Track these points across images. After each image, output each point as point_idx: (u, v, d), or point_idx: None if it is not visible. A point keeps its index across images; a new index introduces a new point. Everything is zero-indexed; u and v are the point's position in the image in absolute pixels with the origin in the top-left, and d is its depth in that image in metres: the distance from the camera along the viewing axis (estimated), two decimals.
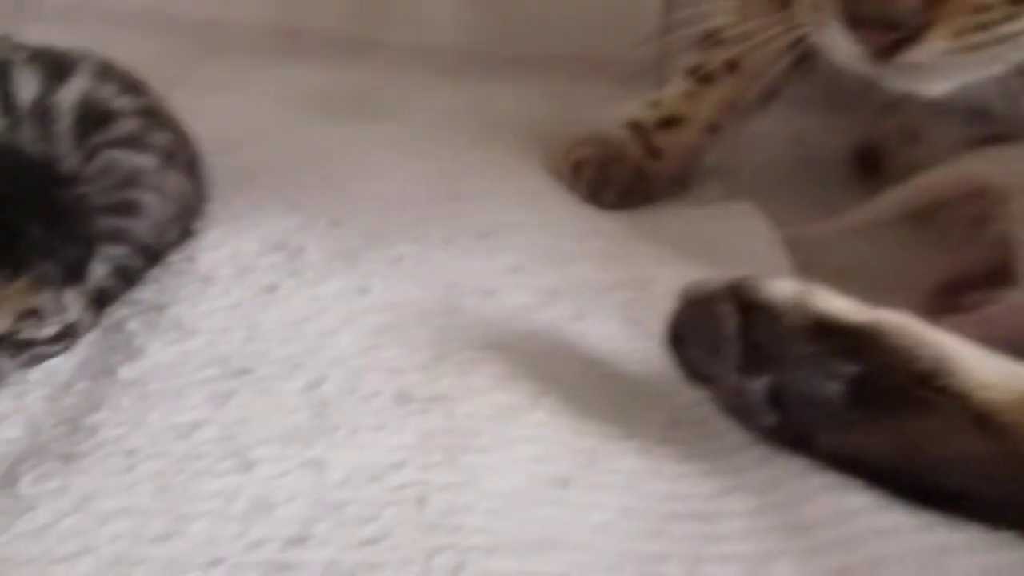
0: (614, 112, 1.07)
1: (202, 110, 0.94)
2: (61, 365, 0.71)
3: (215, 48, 1.34)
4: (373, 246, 0.86)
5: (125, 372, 0.69)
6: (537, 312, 0.80)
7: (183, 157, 0.85)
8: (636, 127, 1.03)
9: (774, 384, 0.61)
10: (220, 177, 0.92)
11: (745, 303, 0.61)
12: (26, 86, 0.78)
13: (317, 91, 1.15)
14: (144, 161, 0.80)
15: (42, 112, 0.78)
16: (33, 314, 0.68)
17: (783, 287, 0.61)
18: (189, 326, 0.74)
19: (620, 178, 1.00)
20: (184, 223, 0.84)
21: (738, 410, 0.65)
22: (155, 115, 0.84)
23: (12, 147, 0.74)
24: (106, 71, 0.83)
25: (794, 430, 0.62)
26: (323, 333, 0.74)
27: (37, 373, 0.71)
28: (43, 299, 0.66)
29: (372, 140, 1.04)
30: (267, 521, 0.57)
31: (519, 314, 0.80)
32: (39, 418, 0.66)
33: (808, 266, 0.82)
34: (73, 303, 0.68)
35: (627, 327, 0.81)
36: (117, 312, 0.77)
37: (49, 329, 0.67)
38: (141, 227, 0.80)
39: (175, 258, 0.83)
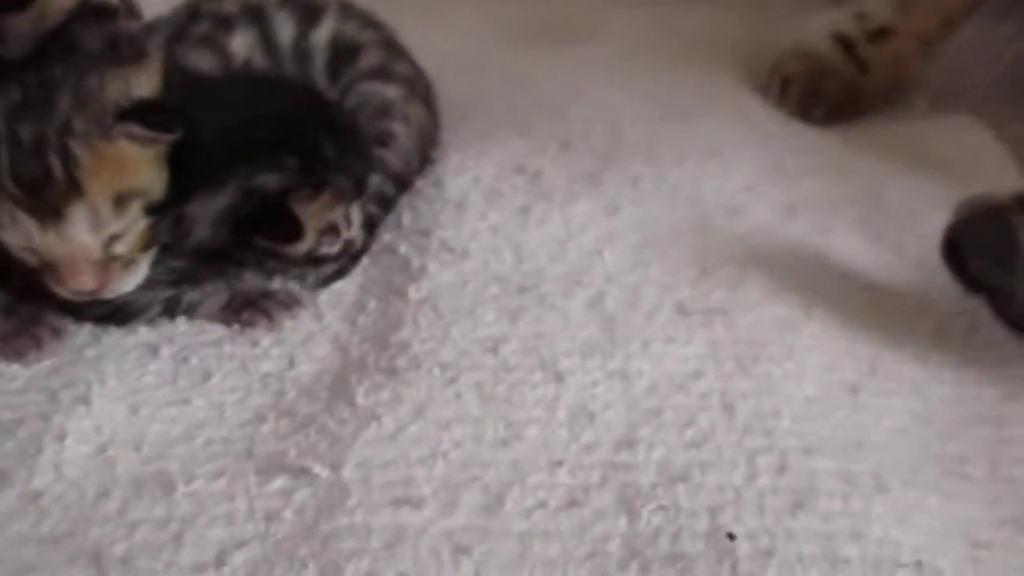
0: (813, 26, 1.06)
1: (410, 42, 0.96)
2: (346, 287, 0.75)
3: None
4: (609, 168, 0.87)
5: (413, 292, 0.72)
6: (782, 228, 0.82)
7: (421, 86, 0.87)
8: (843, 40, 1.01)
9: None
10: (443, 105, 0.94)
11: None
12: (283, 29, 0.81)
13: (516, 19, 1.15)
14: (391, 92, 0.83)
15: (301, 53, 0.81)
16: (332, 230, 0.70)
17: None
18: (459, 248, 0.77)
19: (830, 93, 1.00)
20: (424, 151, 0.87)
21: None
22: (394, 46, 0.86)
23: (289, 77, 0.77)
24: (347, 9, 0.86)
25: None
26: (588, 252, 0.76)
27: (325, 295, 0.74)
28: (338, 214, 0.69)
29: (579, 63, 1.05)
30: (592, 427, 0.61)
31: (765, 229, 0.81)
32: (343, 337, 0.70)
33: None
34: (355, 218, 0.71)
35: (870, 241, 0.82)
36: (382, 237, 0.80)
37: (337, 245, 0.70)
38: (393, 156, 0.83)
39: (421, 184, 0.85)
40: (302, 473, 0.57)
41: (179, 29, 0.79)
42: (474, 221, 0.81)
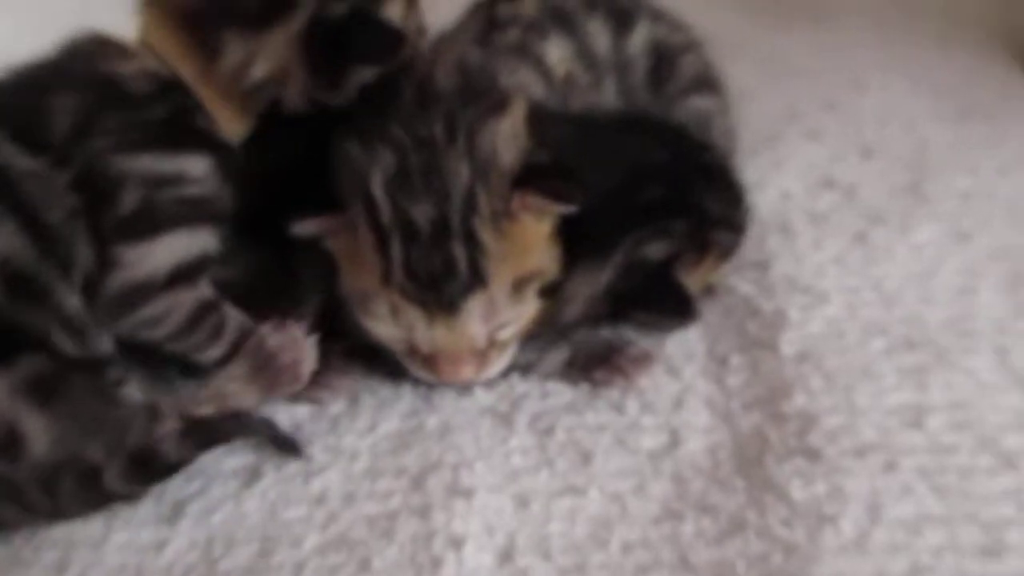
0: None
1: None
2: (687, 333, 0.66)
3: None
4: (926, 180, 0.78)
5: (786, 347, 0.63)
6: None
7: (725, 92, 0.76)
8: None
9: None
10: None
11: None
12: (599, 36, 0.70)
13: None
14: (709, 103, 0.73)
15: (621, 64, 0.70)
16: (709, 290, 0.62)
17: None
18: (811, 288, 0.68)
19: None
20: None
21: None
22: (700, 50, 0.75)
23: (652, 116, 0.66)
24: (654, 9, 0.75)
25: None
26: (958, 291, 0.67)
27: (669, 343, 0.65)
28: (719, 275, 0.61)
29: (842, 47, 0.94)
30: None
31: None
32: (718, 401, 0.62)
33: None
34: (724, 269, 0.63)
35: None
36: None
37: (706, 299, 0.63)
38: None
39: None
40: None
41: (480, 37, 0.67)
42: (810, 251, 0.71)
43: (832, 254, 0.70)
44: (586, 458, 0.57)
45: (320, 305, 0.62)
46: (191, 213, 0.54)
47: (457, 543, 0.52)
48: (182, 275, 0.54)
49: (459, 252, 0.50)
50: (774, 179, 0.78)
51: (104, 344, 0.55)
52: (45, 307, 0.52)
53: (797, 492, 0.53)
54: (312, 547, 0.53)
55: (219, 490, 0.57)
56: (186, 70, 0.55)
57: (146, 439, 0.54)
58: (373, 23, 0.54)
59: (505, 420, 0.60)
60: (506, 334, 0.55)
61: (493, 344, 0.55)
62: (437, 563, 0.51)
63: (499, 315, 0.53)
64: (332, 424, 0.61)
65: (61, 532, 0.55)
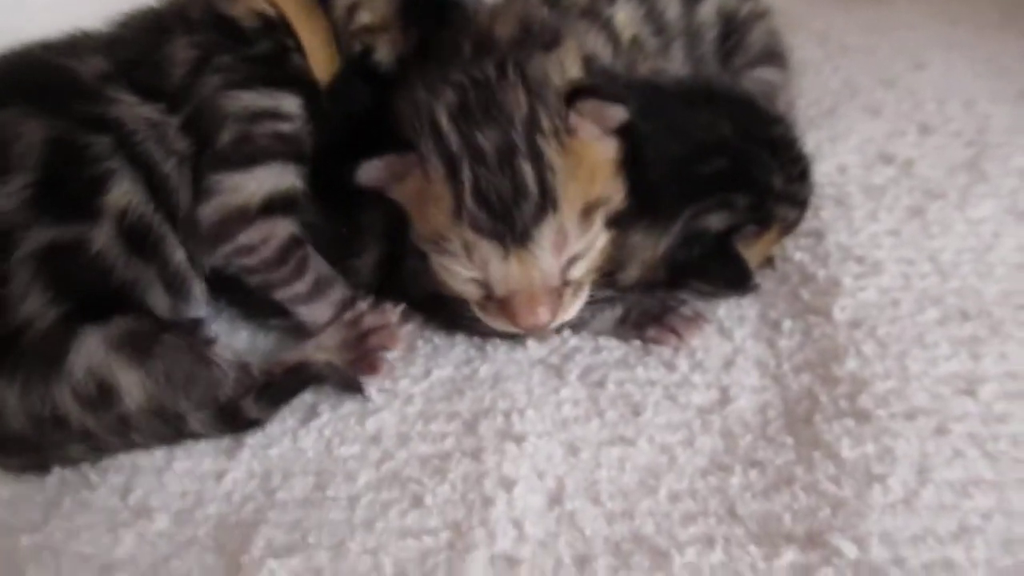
0: None
1: None
2: (743, 299, 0.66)
3: None
4: (985, 157, 0.77)
5: (838, 313, 0.63)
6: None
7: (788, 62, 0.76)
8: None
9: None
10: None
11: None
12: (670, 4, 0.70)
13: None
14: (774, 76, 0.73)
15: (692, 30, 0.70)
16: (768, 262, 0.62)
17: None
18: (866, 258, 0.67)
19: None
20: None
21: None
22: (769, 21, 0.75)
23: (721, 86, 0.66)
24: None
25: None
26: (1016, 266, 0.67)
27: (722, 308, 0.66)
28: (779, 246, 0.61)
29: (901, 27, 0.93)
30: None
31: None
32: (768, 363, 0.62)
33: None
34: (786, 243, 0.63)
35: None
36: None
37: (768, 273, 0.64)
38: None
39: None
40: (815, 546, 0.49)
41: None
42: (866, 223, 0.71)
43: (888, 226, 0.70)
44: (636, 410, 0.58)
45: (381, 259, 0.64)
46: (283, 149, 0.56)
47: (508, 484, 0.53)
48: (275, 206, 0.56)
49: (527, 171, 0.51)
50: (831, 152, 0.77)
51: (197, 306, 0.58)
52: (153, 261, 0.54)
53: (846, 451, 0.54)
54: (366, 483, 0.54)
55: (277, 426, 0.59)
56: (292, 9, 0.56)
57: (234, 396, 0.56)
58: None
59: (557, 372, 0.61)
60: (578, 271, 0.55)
61: (567, 284, 0.55)
62: (488, 502, 0.52)
63: (570, 244, 0.53)
64: (387, 370, 0.62)
65: (126, 459, 0.57)
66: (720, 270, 0.59)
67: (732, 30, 0.70)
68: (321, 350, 0.59)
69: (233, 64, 0.54)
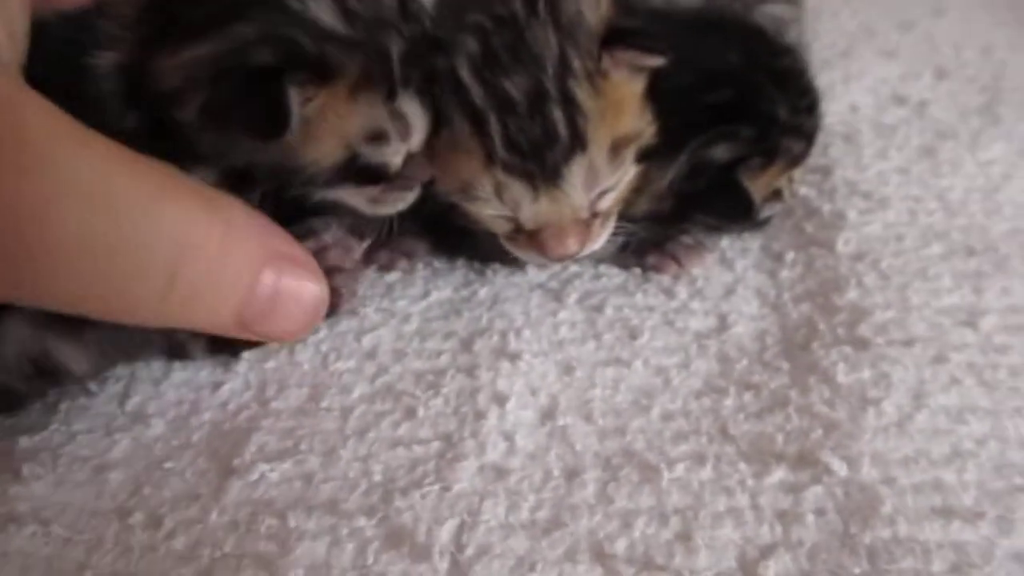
0: None
1: None
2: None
3: None
4: (1000, 102, 0.76)
5: (841, 245, 0.63)
6: None
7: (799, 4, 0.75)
8: None
9: None
10: None
11: None
12: None
13: None
14: (784, 12, 0.72)
15: None
16: (776, 195, 0.62)
17: None
18: (873, 193, 0.67)
19: None
20: None
21: None
22: None
23: (731, 13, 0.65)
24: None
25: None
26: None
27: (726, 239, 0.65)
28: (786, 179, 0.60)
29: None
30: None
31: None
32: (768, 292, 0.62)
33: None
34: (798, 177, 0.63)
35: None
36: None
37: (779, 207, 0.64)
38: None
39: None
40: (806, 465, 0.48)
41: None
42: (875, 160, 0.70)
43: (897, 164, 0.69)
44: (633, 334, 0.58)
45: None
46: None
47: (501, 400, 0.53)
48: None
49: (558, 115, 0.50)
50: (844, 92, 0.77)
51: None
52: None
53: (842, 376, 0.53)
54: (360, 395, 0.54)
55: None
56: None
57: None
58: None
59: (555, 296, 0.61)
60: (607, 203, 0.54)
61: (596, 215, 0.55)
62: (480, 415, 0.52)
63: (600, 181, 0.53)
64: (387, 289, 0.62)
65: (124, 369, 0.57)
66: (724, 202, 0.58)
67: None
68: None
69: None
